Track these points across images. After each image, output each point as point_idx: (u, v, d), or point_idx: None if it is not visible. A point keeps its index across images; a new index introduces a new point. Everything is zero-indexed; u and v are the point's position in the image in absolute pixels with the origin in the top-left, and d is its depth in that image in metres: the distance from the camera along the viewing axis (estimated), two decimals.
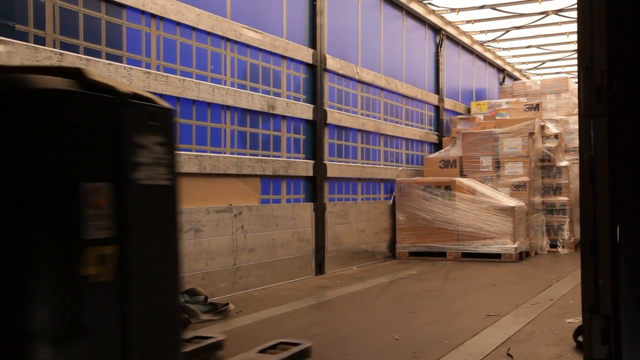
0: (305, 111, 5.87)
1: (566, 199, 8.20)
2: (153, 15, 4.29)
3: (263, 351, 2.73)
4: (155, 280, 1.75)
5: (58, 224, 1.50)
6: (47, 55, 3.50)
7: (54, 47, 3.60)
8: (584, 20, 1.80)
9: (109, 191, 1.62)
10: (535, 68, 13.40)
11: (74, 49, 3.72)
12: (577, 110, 10.11)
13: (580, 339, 3.13)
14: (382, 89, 7.53)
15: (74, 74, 1.60)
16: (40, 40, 3.53)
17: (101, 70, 3.82)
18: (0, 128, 1.46)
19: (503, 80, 12.40)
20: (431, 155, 8.46)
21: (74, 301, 1.48)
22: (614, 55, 1.74)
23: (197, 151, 4.63)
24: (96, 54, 3.87)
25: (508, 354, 3.01)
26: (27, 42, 3.44)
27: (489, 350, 3.09)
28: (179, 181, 1.87)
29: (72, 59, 3.64)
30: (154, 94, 4.23)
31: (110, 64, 3.90)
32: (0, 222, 1.45)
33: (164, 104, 1.83)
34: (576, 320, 3.72)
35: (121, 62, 4.04)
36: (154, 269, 1.73)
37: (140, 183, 1.71)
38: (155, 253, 1.76)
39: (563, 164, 8.29)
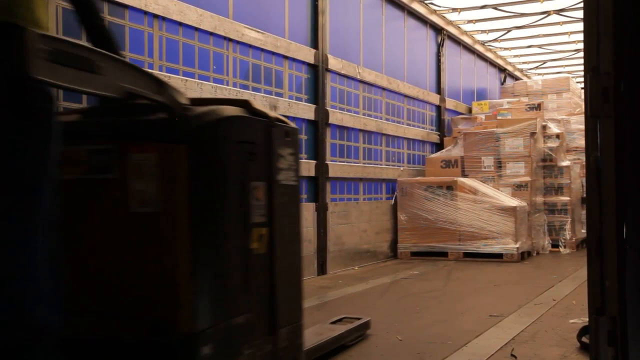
0: (307, 111, 5.87)
1: (568, 198, 8.20)
2: (155, 16, 4.29)
3: (333, 323, 3.30)
4: (289, 253, 2.40)
5: (238, 212, 2.10)
6: None
7: None
8: (590, 21, 1.80)
9: (264, 188, 2.23)
10: (537, 68, 13.41)
11: None
12: (578, 110, 10.18)
13: (584, 339, 3.13)
14: (383, 89, 7.54)
15: (243, 104, 2.22)
16: None
17: None
18: (209, 143, 2.02)
19: (504, 80, 12.40)
20: (433, 155, 8.46)
21: (247, 265, 2.13)
22: (621, 56, 1.73)
23: None
24: None
25: (512, 355, 3.01)
26: None
27: (492, 351, 3.09)
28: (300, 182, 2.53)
29: None
30: None
31: None
32: (203, 210, 1.97)
33: (293, 124, 2.48)
34: (579, 320, 3.72)
35: None
36: (287, 245, 2.38)
37: (281, 183, 2.33)
38: (288, 234, 2.40)
39: (565, 163, 8.30)
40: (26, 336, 1.47)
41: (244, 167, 2.13)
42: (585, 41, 1.82)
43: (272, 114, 2.34)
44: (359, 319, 3.42)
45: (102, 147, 1.97)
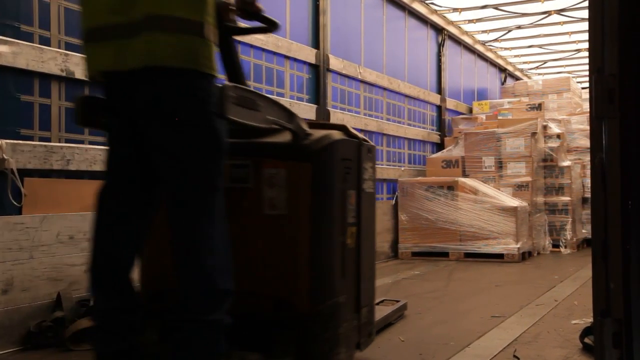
0: (308, 111, 5.87)
1: (568, 199, 8.20)
2: None
3: (377, 304, 3.47)
4: (368, 248, 2.88)
5: (340, 215, 2.59)
6: (52, 56, 3.50)
7: (59, 48, 3.60)
8: (595, 23, 1.80)
9: (355, 196, 2.71)
10: (537, 68, 13.40)
11: (78, 49, 3.71)
12: (579, 110, 10.18)
13: (587, 340, 3.13)
14: (384, 89, 7.53)
15: (342, 128, 2.74)
16: (45, 41, 3.53)
17: None
18: (324, 161, 2.51)
19: (505, 80, 12.40)
20: (433, 155, 8.46)
21: (343, 257, 2.59)
22: (626, 57, 1.73)
23: None
24: None
25: (515, 356, 3.00)
26: (32, 42, 3.44)
27: (495, 352, 3.09)
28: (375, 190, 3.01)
29: (77, 60, 3.63)
30: None
31: None
32: (319, 214, 2.46)
33: (371, 142, 2.94)
34: (582, 321, 3.72)
35: None
36: (368, 241, 2.86)
37: (365, 191, 2.81)
38: (368, 232, 2.87)
39: (565, 164, 8.29)
40: (215, 301, 2.08)
41: (344, 179, 2.65)
42: (590, 42, 1.82)
43: (360, 135, 2.83)
44: (397, 301, 4.02)
45: (242, 163, 2.49)
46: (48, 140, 3.54)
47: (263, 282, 2.46)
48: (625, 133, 1.72)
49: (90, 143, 3.79)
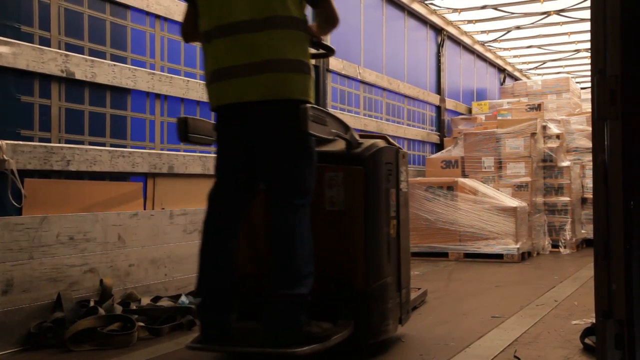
0: None
1: (568, 199, 8.20)
2: (157, 16, 4.29)
3: None
4: (405, 237, 3.45)
5: (385, 209, 3.11)
6: (52, 57, 3.50)
7: (59, 49, 3.59)
8: (597, 24, 1.79)
9: (395, 193, 3.24)
10: (536, 68, 13.42)
11: (79, 50, 3.72)
12: (578, 110, 10.18)
13: (587, 341, 3.13)
14: (384, 89, 7.53)
15: (382, 137, 3.30)
16: (45, 42, 3.53)
17: (106, 71, 3.82)
18: (373, 165, 3.03)
19: (504, 81, 12.41)
20: (433, 156, 8.46)
21: (388, 245, 3.14)
22: (628, 58, 1.73)
23: (201, 152, 4.62)
24: (101, 55, 3.87)
25: (515, 357, 3.00)
26: (33, 43, 3.44)
27: (496, 352, 3.08)
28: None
29: (77, 60, 3.63)
30: (158, 95, 4.23)
31: (115, 65, 3.89)
32: (370, 209, 3.00)
33: (404, 150, 3.47)
34: (582, 322, 3.72)
35: (126, 63, 4.04)
36: (404, 232, 3.43)
37: (402, 190, 3.36)
38: (404, 224, 3.43)
39: (565, 164, 8.29)
40: (300, 281, 2.66)
41: (387, 180, 3.16)
42: (592, 43, 1.81)
43: (395, 143, 3.38)
44: (419, 288, 4.56)
45: None
46: (48, 141, 3.54)
47: (327, 266, 2.91)
48: (628, 134, 1.71)
49: (90, 144, 3.78)
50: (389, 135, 7.45)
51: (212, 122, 2.95)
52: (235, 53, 2.71)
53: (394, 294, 3.20)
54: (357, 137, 3.11)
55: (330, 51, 3.27)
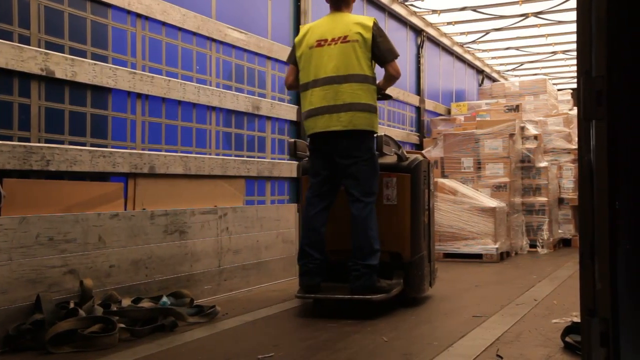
0: (289, 112, 5.86)
1: (545, 199, 8.28)
2: (139, 15, 4.25)
3: None
4: (433, 225, 4.71)
5: (422, 203, 4.43)
6: (32, 55, 3.45)
7: (39, 47, 3.55)
8: (583, 25, 1.81)
9: (427, 192, 4.49)
10: (514, 70, 13.53)
11: (59, 48, 3.67)
12: (555, 111, 10.27)
13: (568, 339, 3.16)
14: None
15: (420, 152, 4.61)
16: (25, 40, 3.48)
17: (86, 70, 3.78)
18: (416, 173, 4.37)
19: (482, 82, 12.50)
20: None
21: (424, 228, 4.45)
22: (614, 59, 1.75)
23: (182, 152, 4.59)
24: (82, 53, 3.82)
25: (498, 356, 3.02)
26: (12, 41, 3.39)
27: (478, 351, 3.10)
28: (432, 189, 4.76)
29: (57, 59, 3.59)
30: (139, 94, 4.19)
31: (95, 64, 3.85)
32: (414, 203, 4.37)
33: (428, 158, 4.68)
34: (562, 320, 3.76)
35: (107, 62, 3.99)
36: (432, 219, 4.73)
37: (431, 190, 4.63)
38: (432, 215, 4.70)
39: (542, 164, 8.38)
40: (372, 254, 3.98)
41: (424, 182, 4.50)
42: (578, 44, 1.83)
43: (425, 155, 4.68)
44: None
45: None
46: (27, 140, 3.49)
47: (385, 243, 4.20)
48: (613, 134, 1.73)
49: (71, 143, 3.74)
50: None
51: (307, 142, 4.33)
52: (324, 98, 4.05)
53: (427, 264, 4.53)
54: (406, 153, 4.46)
55: (389, 98, 4.55)
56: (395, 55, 4.18)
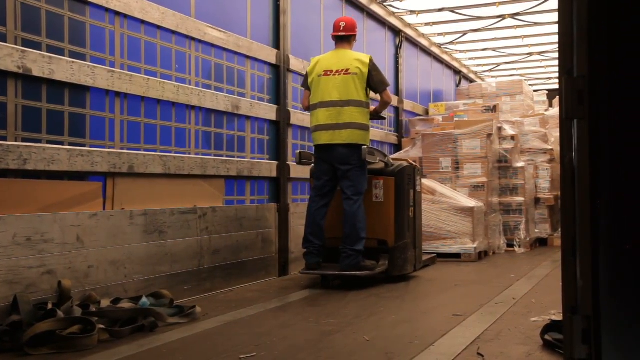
0: (269, 112, 5.84)
1: (522, 199, 8.36)
2: (117, 13, 4.21)
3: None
4: (419, 218, 5.80)
5: (407, 200, 5.52)
6: (9, 52, 3.40)
7: (16, 44, 3.49)
8: (565, 25, 1.83)
9: (412, 191, 5.62)
10: (490, 70, 13.65)
11: (36, 46, 3.62)
12: (531, 112, 10.37)
13: (547, 337, 3.19)
14: None
15: (406, 160, 5.80)
16: (1, 37, 3.42)
17: (64, 68, 3.73)
18: (400, 177, 5.45)
19: (459, 83, 12.58)
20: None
21: (408, 221, 5.55)
22: (595, 59, 1.77)
23: (161, 152, 4.56)
24: (59, 51, 3.77)
25: (479, 354, 3.04)
26: None
27: (459, 350, 3.12)
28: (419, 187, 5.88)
29: (34, 57, 3.54)
30: (118, 93, 4.15)
31: (73, 62, 3.80)
32: (398, 201, 5.47)
33: (417, 165, 5.95)
34: (540, 319, 3.80)
35: (85, 60, 3.95)
36: (419, 214, 5.82)
37: (417, 190, 5.73)
38: (418, 210, 5.79)
39: (519, 165, 8.46)
40: (360, 241, 5.09)
41: (408, 184, 5.47)
42: (560, 44, 1.85)
43: (413, 162, 5.85)
44: (431, 253, 6.72)
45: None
46: (4, 139, 3.44)
47: (374, 232, 5.29)
48: (595, 133, 1.75)
49: (48, 142, 3.69)
50: None
51: (311, 152, 5.41)
52: (329, 117, 5.16)
53: (411, 250, 5.54)
54: (391, 160, 5.55)
55: (384, 119, 6.15)
56: (386, 85, 5.34)
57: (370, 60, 5.23)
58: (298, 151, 5.37)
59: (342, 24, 5.36)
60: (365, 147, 5.12)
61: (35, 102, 3.64)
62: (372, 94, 5.38)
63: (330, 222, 5.29)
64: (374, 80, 5.22)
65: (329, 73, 5.20)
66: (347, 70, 5.17)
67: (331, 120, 5.12)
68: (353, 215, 5.07)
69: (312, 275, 5.45)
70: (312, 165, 5.45)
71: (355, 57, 5.23)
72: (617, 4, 1.80)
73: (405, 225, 5.41)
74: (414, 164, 5.71)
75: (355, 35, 5.42)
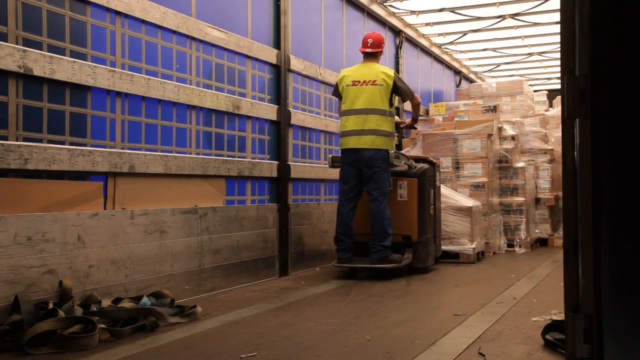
0: (269, 112, 5.84)
1: (523, 199, 8.36)
2: (118, 13, 4.20)
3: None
4: (439, 215, 6.60)
5: (428, 198, 6.25)
6: (10, 52, 3.40)
7: (17, 44, 3.49)
8: (566, 24, 1.83)
9: (433, 190, 6.38)
10: (490, 71, 13.64)
11: (37, 45, 3.62)
12: (531, 112, 10.38)
13: (548, 337, 3.19)
14: None
15: (426, 159, 6.50)
16: (2, 37, 3.42)
17: (65, 68, 3.73)
18: (423, 178, 6.19)
19: (460, 83, 12.58)
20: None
21: (430, 217, 6.21)
22: (597, 58, 1.77)
23: (162, 151, 4.56)
24: (60, 51, 3.77)
25: (480, 353, 3.04)
26: None
27: (460, 349, 3.12)
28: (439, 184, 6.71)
29: (35, 56, 3.54)
30: (118, 92, 4.15)
31: (74, 61, 3.80)
32: (421, 199, 6.15)
33: (437, 162, 6.72)
34: (541, 318, 3.80)
35: (85, 59, 3.95)
36: (438, 211, 6.55)
37: (437, 187, 6.52)
38: (438, 207, 6.54)
39: (520, 165, 8.46)
40: (387, 237, 5.74)
41: (429, 183, 6.21)
42: (562, 44, 1.85)
43: (433, 160, 6.49)
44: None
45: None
46: (5, 138, 3.44)
47: (399, 228, 5.87)
48: (597, 133, 1.75)
49: (49, 142, 3.69)
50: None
51: (339, 155, 5.96)
52: (357, 123, 5.75)
53: (432, 244, 6.20)
54: (414, 163, 6.13)
55: (415, 128, 7.04)
56: (412, 93, 6.04)
57: (395, 74, 5.87)
58: (330, 155, 6.12)
59: (370, 41, 5.93)
60: (393, 152, 5.71)
61: (36, 102, 3.64)
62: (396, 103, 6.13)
63: (358, 219, 5.86)
64: (402, 90, 5.88)
65: (356, 83, 5.80)
66: (374, 81, 5.76)
67: (358, 127, 5.70)
68: (380, 215, 5.65)
69: (312, 275, 5.45)
70: (339, 169, 5.95)
71: (381, 70, 5.84)
72: (619, 3, 1.80)
73: (427, 221, 6.05)
74: (435, 161, 6.46)
75: (381, 52, 6.03)
